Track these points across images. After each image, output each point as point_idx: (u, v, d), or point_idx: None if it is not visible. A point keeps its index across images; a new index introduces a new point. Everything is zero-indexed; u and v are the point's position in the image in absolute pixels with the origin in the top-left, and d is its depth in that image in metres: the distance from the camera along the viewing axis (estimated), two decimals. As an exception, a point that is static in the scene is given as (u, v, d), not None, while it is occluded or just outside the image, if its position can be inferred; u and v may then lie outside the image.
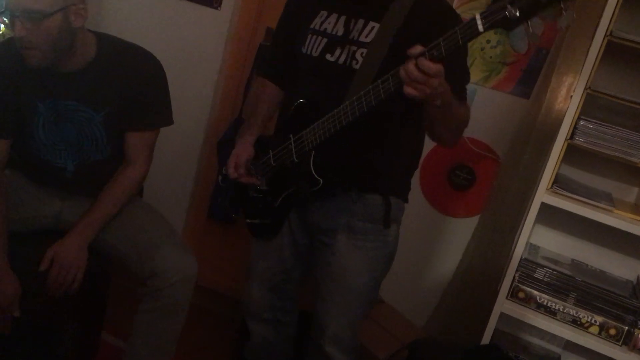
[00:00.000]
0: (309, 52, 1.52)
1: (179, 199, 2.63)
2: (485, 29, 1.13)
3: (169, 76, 1.76)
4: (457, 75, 1.38)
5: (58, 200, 1.79)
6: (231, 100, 2.56)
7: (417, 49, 1.20)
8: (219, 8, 2.43)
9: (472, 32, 1.14)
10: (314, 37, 1.51)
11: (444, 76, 1.20)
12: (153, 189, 2.13)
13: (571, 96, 1.81)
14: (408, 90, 1.21)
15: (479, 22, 1.13)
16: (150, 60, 1.71)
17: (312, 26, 1.52)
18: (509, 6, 1.10)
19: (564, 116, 1.80)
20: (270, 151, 1.60)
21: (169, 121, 1.78)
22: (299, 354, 1.83)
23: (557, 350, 2.13)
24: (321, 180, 1.49)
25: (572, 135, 1.80)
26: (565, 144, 1.80)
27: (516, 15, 1.10)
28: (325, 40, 1.49)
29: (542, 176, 1.84)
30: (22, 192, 1.76)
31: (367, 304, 1.65)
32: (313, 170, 1.49)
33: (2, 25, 2.31)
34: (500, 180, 2.15)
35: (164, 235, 1.75)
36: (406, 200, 1.63)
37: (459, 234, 2.28)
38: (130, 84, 1.65)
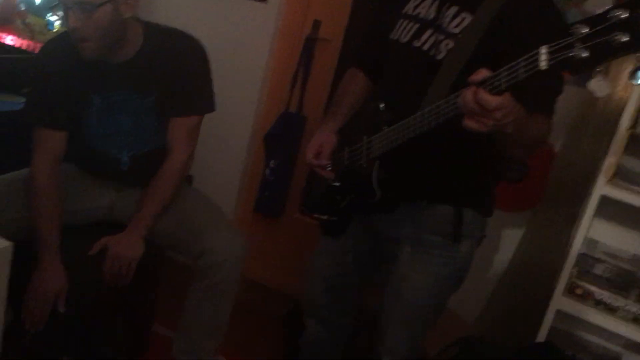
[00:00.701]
0: (397, 38, 1.41)
1: (227, 193, 2.64)
2: (550, 66, 0.96)
3: (216, 69, 1.76)
4: (541, 92, 1.16)
5: (112, 191, 1.82)
6: (278, 94, 2.55)
7: (479, 75, 1.04)
8: (266, 1, 2.43)
9: (534, 66, 0.98)
10: (405, 22, 1.40)
11: (511, 106, 1.04)
12: (201, 182, 2.14)
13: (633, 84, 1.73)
14: (466, 122, 1.07)
15: (542, 57, 0.96)
16: (194, 46, 1.71)
17: (404, 11, 1.42)
18: (577, 44, 0.92)
19: (625, 105, 1.72)
20: (346, 148, 1.52)
21: (211, 107, 1.77)
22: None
23: (616, 349, 2.04)
24: (379, 193, 1.40)
25: (635, 125, 1.72)
26: (628, 134, 1.72)
27: (583, 57, 0.92)
28: (416, 26, 1.38)
29: (601, 168, 1.76)
30: (78, 185, 1.79)
31: (429, 321, 1.56)
32: (375, 181, 1.39)
33: (57, 23, 2.37)
34: (555, 172, 2.07)
35: (213, 216, 1.77)
36: (488, 214, 1.47)
37: (512, 228, 2.21)
38: (175, 69, 1.66)
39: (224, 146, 2.57)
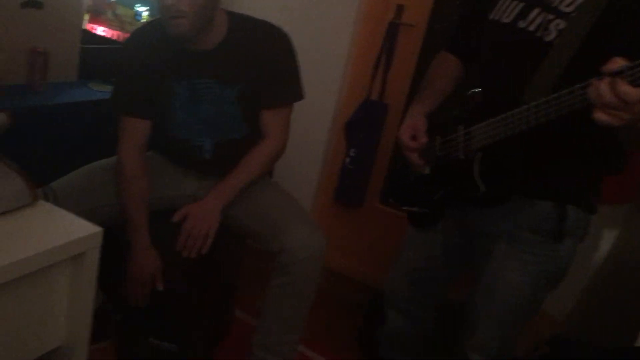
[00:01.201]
0: (498, 18, 1.31)
1: (307, 181, 2.64)
2: None
3: (298, 55, 1.75)
4: None
5: (196, 180, 1.84)
6: (360, 81, 2.51)
7: (614, 64, 0.95)
8: (341, -14, 2.38)
9: None
10: (508, 1, 1.30)
11: None
12: (281, 170, 2.14)
13: None
14: (599, 115, 0.98)
15: None
16: (280, 36, 1.70)
17: None
18: None
19: None
20: (438, 138, 1.45)
21: (300, 96, 1.76)
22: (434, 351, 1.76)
23: None
24: (483, 187, 1.32)
25: None
26: None
27: None
28: (521, 4, 1.27)
29: None
30: (163, 173, 1.83)
31: (522, 320, 1.48)
32: (476, 174, 1.31)
33: (145, 14, 2.43)
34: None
35: (292, 212, 1.76)
36: (593, 211, 1.37)
37: (609, 222, 2.07)
38: (261, 60, 1.65)
39: (304, 134, 2.54)
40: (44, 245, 0.96)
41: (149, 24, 1.73)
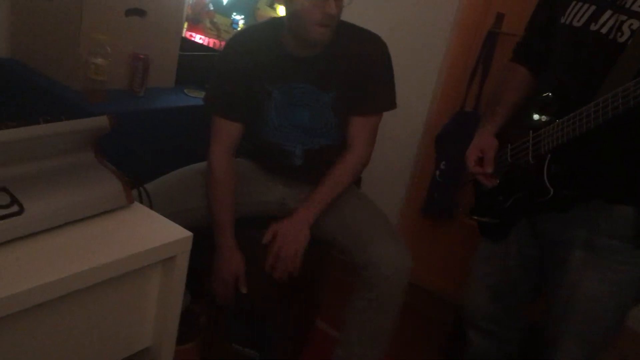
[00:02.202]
0: (569, 22, 1.30)
1: (395, 192, 2.58)
2: None
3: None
4: None
5: (282, 187, 1.84)
6: (454, 92, 2.43)
7: None
8: (446, -7, 2.32)
9: None
10: (579, 4, 1.29)
11: None
12: (369, 180, 2.10)
13: None
14: None
15: None
16: (378, 43, 1.68)
17: None
18: None
19: None
20: (509, 145, 1.43)
21: (392, 105, 1.73)
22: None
23: None
24: (552, 190, 1.28)
25: None
26: None
27: None
28: (593, 7, 1.26)
29: None
30: (252, 179, 1.84)
31: (606, 336, 1.38)
32: (546, 178, 1.29)
33: (241, 22, 2.48)
34: None
35: (380, 227, 1.71)
36: None
37: None
38: (358, 66, 1.64)
39: (393, 144, 2.51)
40: (137, 247, 0.97)
41: (248, 28, 1.76)
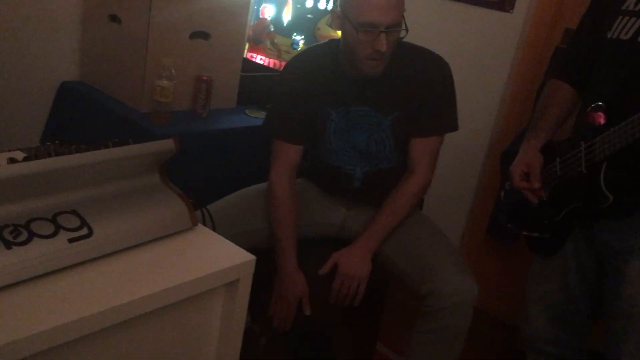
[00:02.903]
0: (615, 36, 1.32)
1: (457, 212, 2.51)
2: None
3: (455, 82, 1.67)
4: None
5: (343, 209, 1.82)
6: (519, 109, 2.36)
7: None
8: (511, 11, 2.26)
9: None
10: (626, 18, 1.31)
11: None
12: (431, 200, 2.05)
13: None
14: None
15: None
16: (439, 64, 1.64)
17: (624, 7, 1.33)
18: None
19: None
20: (557, 158, 1.41)
21: (454, 127, 1.69)
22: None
23: None
24: (611, 197, 1.25)
25: None
26: None
27: None
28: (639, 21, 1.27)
29: None
30: (312, 200, 1.83)
31: None
32: (603, 185, 1.26)
33: (301, 42, 2.49)
34: None
35: (443, 253, 1.65)
36: None
37: None
38: (419, 88, 1.61)
39: (456, 164, 2.45)
40: (202, 271, 0.96)
41: (307, 51, 1.76)
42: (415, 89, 1.61)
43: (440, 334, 1.56)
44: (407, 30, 1.51)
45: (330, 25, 2.47)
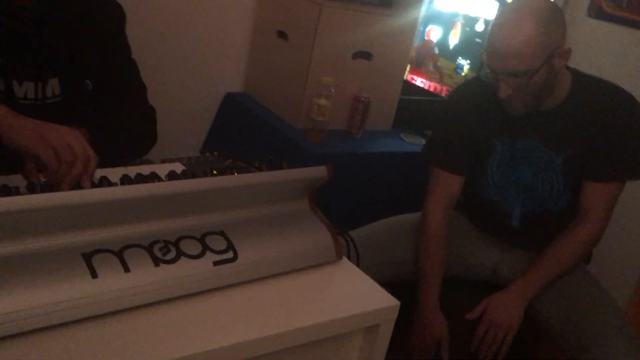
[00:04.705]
0: None
1: (626, 269, 2.23)
2: None
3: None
4: None
5: (498, 251, 1.68)
6: None
7: None
8: None
9: None
10: None
11: None
12: (597, 255, 1.82)
13: None
14: None
15: None
16: (625, 99, 1.45)
17: None
18: None
19: None
20: None
21: (638, 174, 1.48)
22: None
23: None
24: None
25: None
26: None
27: None
28: None
29: None
30: (464, 237, 1.71)
31: None
32: None
33: (466, 67, 2.37)
34: None
35: (607, 319, 1.44)
36: None
37: None
38: (600, 126, 1.44)
39: (627, 212, 2.17)
40: (341, 311, 0.90)
41: (475, 79, 1.65)
42: (596, 126, 1.44)
43: None
44: (544, 75, 1.37)
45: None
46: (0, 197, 0.69)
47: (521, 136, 1.51)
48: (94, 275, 0.74)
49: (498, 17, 1.41)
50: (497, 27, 1.37)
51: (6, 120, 0.92)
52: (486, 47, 1.41)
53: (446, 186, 1.60)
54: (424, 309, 1.57)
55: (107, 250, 0.78)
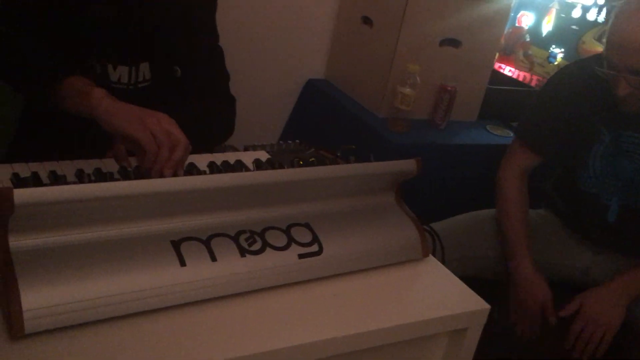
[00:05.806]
0: None
1: None
2: None
3: None
4: None
5: (589, 253, 1.59)
6: None
7: None
8: None
9: None
10: None
11: None
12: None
13: None
14: None
15: None
16: None
17: None
18: None
19: None
20: None
21: None
22: None
23: None
24: None
25: None
26: None
27: None
28: None
29: None
30: (552, 236, 1.63)
31: None
32: None
33: (560, 56, 2.24)
34: None
35: None
36: None
37: None
38: None
39: None
40: (427, 313, 0.87)
41: (576, 63, 1.57)
42: None
43: None
44: None
45: (598, 40, 2.18)
46: (98, 182, 0.70)
47: (628, 128, 1.42)
48: (183, 263, 0.74)
49: (622, 7, 1.30)
50: (621, 18, 1.27)
51: (105, 102, 0.93)
52: (606, 40, 1.31)
53: (522, 159, 1.57)
54: (519, 273, 1.50)
55: (196, 239, 0.77)
